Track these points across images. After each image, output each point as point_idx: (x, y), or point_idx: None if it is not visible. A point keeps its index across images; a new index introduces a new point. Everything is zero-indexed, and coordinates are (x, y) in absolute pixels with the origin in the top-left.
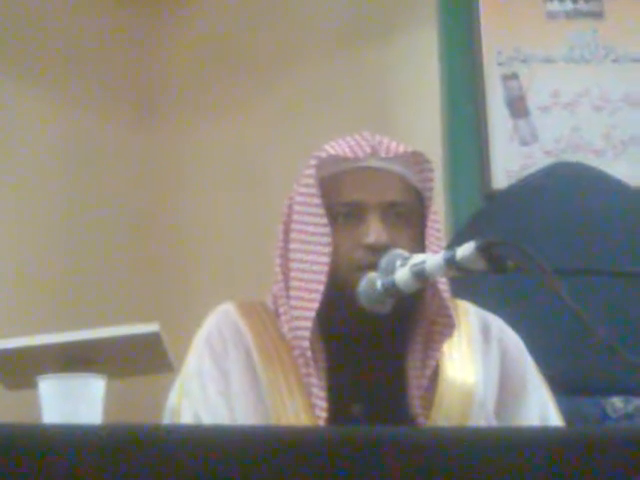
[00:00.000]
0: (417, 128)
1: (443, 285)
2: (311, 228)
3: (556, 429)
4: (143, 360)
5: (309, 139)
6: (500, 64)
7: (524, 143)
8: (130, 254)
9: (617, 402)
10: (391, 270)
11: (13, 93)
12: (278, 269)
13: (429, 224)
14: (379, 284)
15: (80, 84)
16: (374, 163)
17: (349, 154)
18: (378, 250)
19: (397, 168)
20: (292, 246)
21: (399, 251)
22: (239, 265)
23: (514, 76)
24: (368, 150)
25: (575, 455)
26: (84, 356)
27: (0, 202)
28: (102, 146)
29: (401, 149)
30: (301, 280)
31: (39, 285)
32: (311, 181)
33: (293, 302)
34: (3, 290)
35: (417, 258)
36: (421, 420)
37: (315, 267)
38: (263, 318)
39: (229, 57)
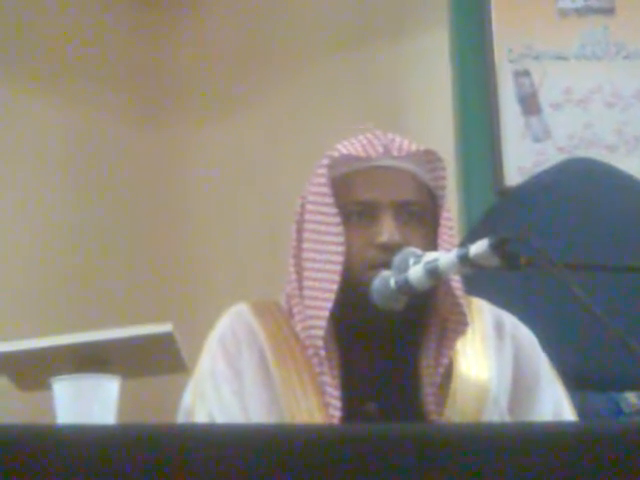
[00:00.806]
0: (429, 126)
1: (456, 283)
2: (324, 227)
3: (570, 424)
4: (157, 360)
5: (319, 139)
6: (512, 61)
7: (536, 140)
8: (144, 254)
9: (631, 397)
10: (404, 268)
11: (19, 93)
12: (292, 269)
13: (442, 222)
14: (392, 282)
15: (86, 84)
16: (386, 162)
17: (361, 153)
18: (391, 249)
19: (409, 167)
20: (305, 245)
21: (412, 249)
22: (252, 265)
23: (526, 73)
24: (380, 149)
25: (589, 450)
26: (97, 357)
27: (11, 204)
28: (109, 146)
29: (413, 148)
30: (315, 280)
31: (52, 286)
32: (323, 180)
33: (307, 301)
34: (16, 292)
35: (430, 256)
36: (435, 417)
37: (328, 266)
38: (276, 318)
39: (236, 57)
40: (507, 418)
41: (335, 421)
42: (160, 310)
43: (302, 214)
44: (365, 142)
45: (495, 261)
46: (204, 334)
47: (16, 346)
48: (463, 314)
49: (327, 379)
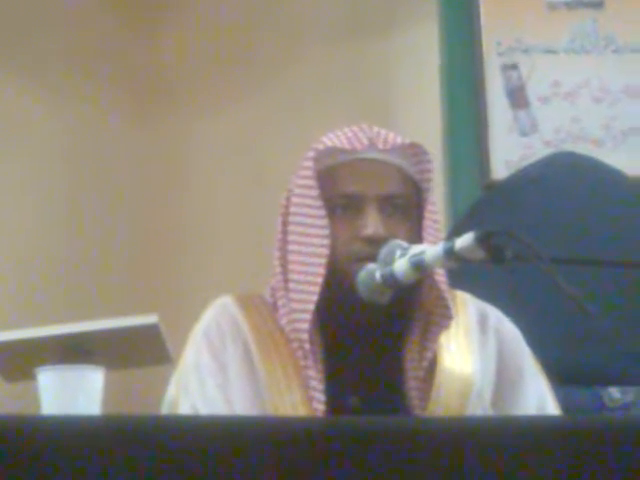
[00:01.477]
0: (417, 119)
1: (440, 276)
2: (309, 220)
3: (553, 418)
4: (142, 352)
5: (310, 132)
6: (500, 54)
7: (524, 134)
8: (130, 247)
9: (614, 392)
10: (390, 261)
11: (16, 89)
12: (277, 262)
13: (427, 215)
14: (378, 275)
15: (81, 79)
16: (372, 155)
17: (347, 146)
18: (376, 242)
19: (395, 160)
20: (290, 238)
21: (399, 242)
22: (238, 258)
23: (514, 67)
24: (366, 142)
25: (573, 444)
26: (83, 348)
27: (3, 196)
28: (104, 140)
29: (399, 140)
30: (300, 272)
31: (38, 277)
32: (309, 173)
33: (292, 295)
34: (1, 282)
35: (416, 249)
36: (418, 411)
37: (313, 259)
38: (261, 311)
39: (230, 51)
40: (491, 412)
41: (319, 415)
42: (146, 302)
43: (287, 207)
44: (350, 135)
45: (481, 254)
46: (189, 326)
47: (1, 337)
48: (447, 308)
49: (311, 373)
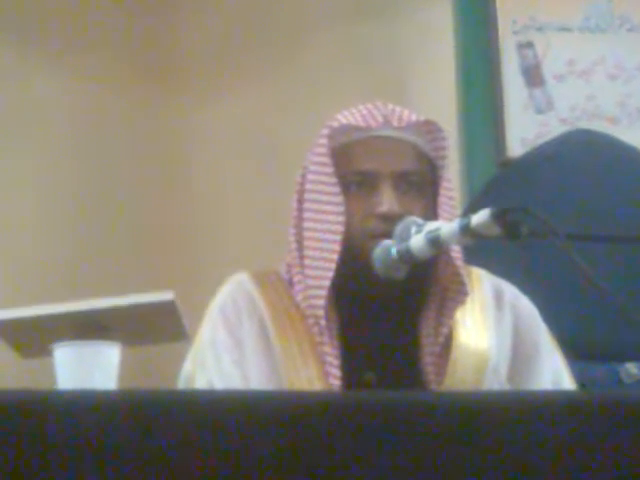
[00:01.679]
0: (432, 97)
1: (456, 253)
2: (324, 197)
3: (569, 393)
4: (158, 328)
5: (324, 111)
6: (515, 33)
7: (539, 111)
8: (145, 223)
9: (631, 368)
10: (406, 237)
11: (25, 68)
12: (292, 238)
13: (442, 192)
14: (394, 251)
15: (91, 59)
16: (387, 132)
17: (361, 123)
18: (391, 219)
19: (410, 137)
20: (306, 215)
21: (414, 218)
22: (253, 234)
23: (529, 45)
24: (380, 119)
25: (588, 419)
26: (99, 324)
27: (16, 175)
28: (114, 119)
29: (414, 118)
30: (315, 249)
31: (53, 254)
32: (324, 150)
33: (307, 271)
34: (18, 259)
35: (432, 225)
36: (434, 386)
37: (329, 236)
38: (277, 287)
39: (242, 31)
40: (507, 387)
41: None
42: (162, 278)
43: (303, 184)
44: (365, 112)
45: (497, 231)
46: (206, 302)
47: (17, 313)
48: (463, 284)
49: (327, 349)
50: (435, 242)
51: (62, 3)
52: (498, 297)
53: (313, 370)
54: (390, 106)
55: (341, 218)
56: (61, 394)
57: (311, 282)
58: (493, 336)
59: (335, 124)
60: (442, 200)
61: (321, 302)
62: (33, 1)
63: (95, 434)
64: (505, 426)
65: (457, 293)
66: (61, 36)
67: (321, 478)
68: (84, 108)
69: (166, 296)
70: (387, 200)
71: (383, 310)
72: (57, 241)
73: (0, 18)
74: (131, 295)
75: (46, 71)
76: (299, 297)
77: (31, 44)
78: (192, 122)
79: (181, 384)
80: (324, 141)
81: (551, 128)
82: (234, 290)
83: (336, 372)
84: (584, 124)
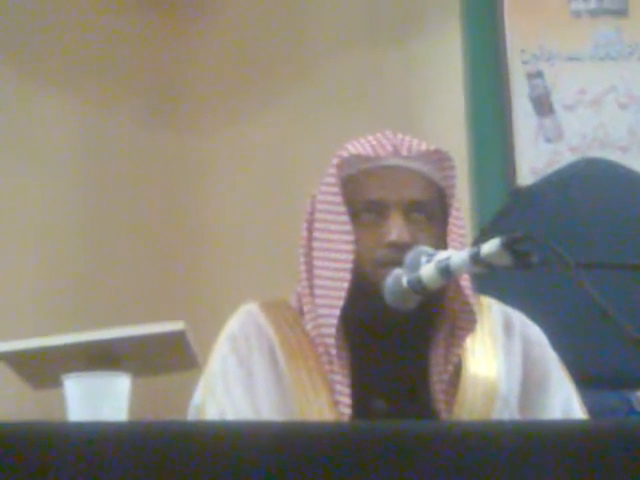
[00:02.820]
0: (443, 126)
1: (465, 281)
2: (333, 227)
3: (580, 422)
4: (168, 358)
5: (332, 139)
6: (525, 62)
7: (549, 140)
8: (156, 252)
9: None
10: (416, 267)
11: (34, 93)
12: (302, 267)
13: (451, 221)
14: (405, 281)
15: (100, 85)
16: (396, 162)
17: (371, 153)
18: (400, 248)
19: (419, 166)
20: (315, 245)
21: (424, 248)
22: (263, 264)
23: (539, 74)
24: (390, 149)
25: (600, 448)
26: (109, 355)
27: (23, 203)
28: (122, 146)
29: (423, 147)
30: (325, 279)
31: (64, 284)
32: (333, 180)
33: (318, 300)
34: (28, 289)
35: (442, 255)
36: (444, 415)
37: (339, 265)
38: (286, 316)
39: (250, 60)
40: (517, 417)
41: (345, 419)
42: (172, 308)
43: (312, 213)
44: (375, 142)
45: (507, 260)
46: (216, 332)
47: (28, 344)
48: (472, 313)
49: (337, 377)
50: (445, 271)
51: (73, 29)
52: (508, 326)
53: (323, 399)
54: (399, 136)
55: (351, 247)
56: (71, 426)
57: (321, 311)
58: (503, 365)
59: (345, 154)
60: (451, 229)
61: (332, 331)
62: (43, 26)
63: (105, 466)
64: (515, 456)
65: (466, 322)
66: (71, 61)
67: None
68: (88, 132)
69: (176, 326)
70: (396, 229)
71: (393, 339)
72: (66, 271)
73: (0, 39)
74: (141, 325)
75: (55, 96)
76: (309, 326)
77: (40, 69)
78: (200, 150)
79: (191, 414)
80: (334, 171)
81: (561, 157)
82: (244, 320)
83: (346, 401)
84: (594, 153)
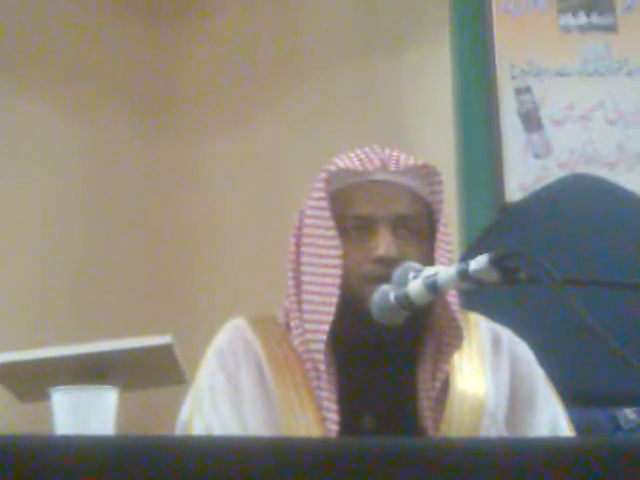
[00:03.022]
0: (431, 142)
1: (452, 297)
2: (321, 241)
3: (567, 440)
4: (156, 372)
5: (321, 152)
6: (513, 78)
7: (537, 156)
8: (143, 266)
9: (629, 413)
10: (404, 282)
11: (29, 104)
12: (290, 282)
13: (439, 237)
14: (392, 296)
15: (95, 95)
16: (384, 176)
17: (359, 167)
18: (388, 263)
19: (407, 181)
20: (303, 259)
21: (412, 264)
22: (251, 279)
23: (527, 90)
24: (378, 163)
25: (586, 466)
26: (97, 368)
27: (15, 214)
28: (116, 157)
29: (411, 162)
30: (314, 294)
31: (51, 297)
32: (321, 194)
33: (306, 316)
34: (16, 303)
35: (430, 270)
36: (431, 432)
37: (327, 280)
38: (274, 332)
39: (244, 67)
40: (504, 433)
41: (332, 435)
42: (160, 322)
43: (300, 228)
44: (362, 156)
45: (495, 276)
46: (203, 346)
47: (15, 357)
48: (459, 329)
49: (325, 393)
50: (433, 287)
51: (67, 40)
52: (495, 342)
53: (310, 415)
54: (387, 150)
55: (339, 262)
56: (59, 440)
57: (310, 326)
58: (490, 382)
59: (332, 168)
60: (439, 245)
61: (321, 347)
62: (38, 37)
63: None
64: (502, 473)
65: (453, 338)
66: (65, 72)
67: None
68: (86, 147)
69: (164, 340)
70: (384, 244)
71: (380, 355)
72: (55, 285)
73: None
74: (129, 339)
75: (50, 107)
76: (296, 341)
77: (35, 80)
78: (194, 162)
79: (179, 429)
80: (321, 185)
81: (549, 173)
82: (232, 336)
83: (334, 417)
84: (582, 169)
